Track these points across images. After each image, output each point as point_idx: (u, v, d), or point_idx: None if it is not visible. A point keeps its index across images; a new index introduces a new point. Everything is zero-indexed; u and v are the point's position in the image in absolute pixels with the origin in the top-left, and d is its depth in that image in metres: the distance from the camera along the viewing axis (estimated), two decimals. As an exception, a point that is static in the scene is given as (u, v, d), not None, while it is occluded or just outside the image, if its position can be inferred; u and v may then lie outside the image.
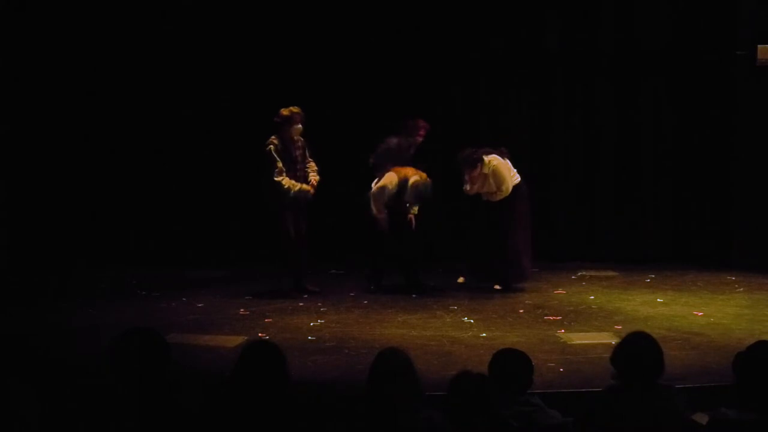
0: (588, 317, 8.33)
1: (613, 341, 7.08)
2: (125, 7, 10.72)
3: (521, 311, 8.49)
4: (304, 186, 9.03)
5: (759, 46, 10.48)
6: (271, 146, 8.93)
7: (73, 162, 10.74)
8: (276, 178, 8.91)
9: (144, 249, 10.77)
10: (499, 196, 9.27)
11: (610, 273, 10.30)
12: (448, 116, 10.92)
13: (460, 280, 9.69)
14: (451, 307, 8.62)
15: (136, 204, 10.88)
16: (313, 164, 9.21)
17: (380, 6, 10.90)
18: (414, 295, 9.17)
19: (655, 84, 11.14)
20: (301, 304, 8.81)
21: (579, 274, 10.27)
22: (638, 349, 4.25)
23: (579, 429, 4.29)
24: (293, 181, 8.98)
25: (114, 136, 10.81)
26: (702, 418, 4.27)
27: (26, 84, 10.57)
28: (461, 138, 9.96)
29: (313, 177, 9.14)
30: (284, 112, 8.98)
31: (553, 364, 6.61)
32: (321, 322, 8.06)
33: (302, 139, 9.11)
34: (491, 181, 9.27)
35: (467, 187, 9.32)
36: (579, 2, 11.19)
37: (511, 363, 4.61)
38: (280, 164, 8.90)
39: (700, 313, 8.36)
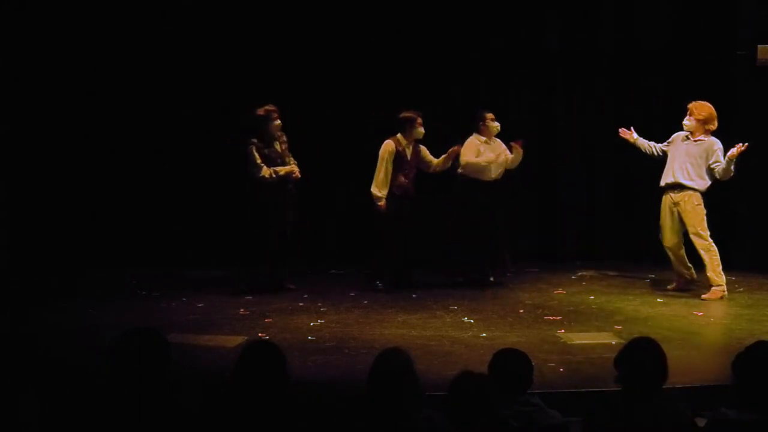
0: (588, 317, 8.33)
1: (613, 341, 7.13)
2: (125, 7, 10.72)
3: (521, 311, 8.49)
4: (287, 168, 9.11)
5: (759, 46, 10.49)
6: (252, 146, 9.05)
7: (73, 162, 10.73)
8: (258, 175, 9.01)
9: (144, 249, 10.76)
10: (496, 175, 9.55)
11: (610, 273, 10.30)
12: (448, 116, 10.92)
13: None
14: (451, 307, 8.62)
15: (136, 204, 10.88)
16: (293, 159, 9.28)
17: (380, 6, 10.91)
18: (414, 295, 9.18)
19: (655, 84, 11.14)
20: (301, 304, 8.81)
21: (579, 274, 10.27)
22: (642, 356, 4.22)
23: (582, 430, 4.28)
24: (273, 169, 9.06)
25: (114, 136, 10.80)
26: (701, 422, 4.27)
27: (26, 84, 10.56)
28: (461, 138, 9.94)
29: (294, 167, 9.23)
30: (260, 111, 9.10)
31: (553, 364, 6.61)
32: (321, 322, 8.06)
33: (284, 134, 9.22)
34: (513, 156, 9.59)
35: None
36: (579, 2, 11.21)
37: (511, 363, 4.61)
38: (258, 160, 9.02)
39: (700, 313, 8.37)
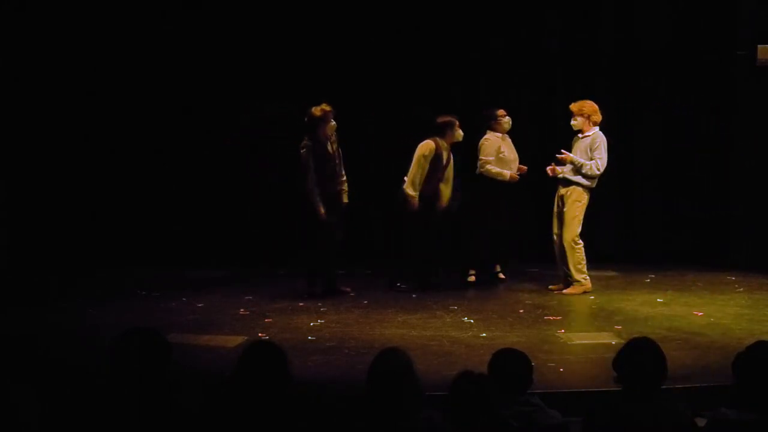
0: (588, 317, 8.33)
1: (613, 341, 7.13)
2: (125, 7, 10.71)
3: (521, 311, 8.49)
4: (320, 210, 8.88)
5: (759, 46, 10.49)
6: (305, 149, 8.83)
7: (73, 162, 10.73)
8: (306, 182, 8.81)
9: (144, 249, 10.76)
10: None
11: (610, 273, 10.30)
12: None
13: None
14: (451, 307, 8.62)
15: (136, 204, 10.87)
16: (342, 171, 9.12)
17: (380, 6, 10.91)
18: (414, 295, 9.17)
19: (655, 84, 11.14)
20: (301, 304, 8.80)
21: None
22: (642, 356, 4.21)
23: (582, 430, 4.28)
24: (322, 203, 8.83)
25: (114, 136, 10.80)
26: (701, 422, 4.27)
27: (26, 84, 10.55)
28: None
29: (344, 189, 9.11)
30: (315, 112, 8.86)
31: (553, 364, 6.61)
32: (321, 322, 8.06)
33: (335, 134, 9.02)
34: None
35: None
36: (579, 2, 11.20)
37: (511, 363, 4.61)
38: (312, 167, 8.78)
39: (700, 313, 8.36)
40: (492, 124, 9.67)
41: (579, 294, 9.18)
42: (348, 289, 9.25)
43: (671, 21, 11.09)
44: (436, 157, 9.26)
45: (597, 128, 9.27)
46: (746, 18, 10.60)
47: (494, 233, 9.64)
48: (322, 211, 8.84)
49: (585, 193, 9.23)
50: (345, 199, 9.13)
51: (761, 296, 9.15)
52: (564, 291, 9.25)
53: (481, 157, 9.59)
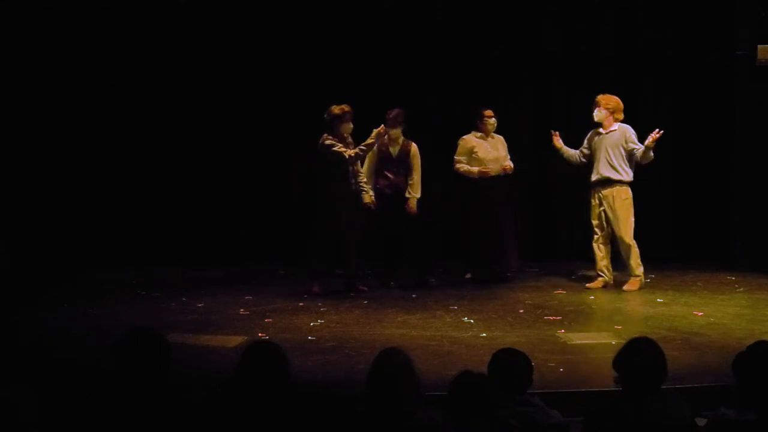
0: (588, 317, 8.33)
1: (613, 341, 7.13)
2: (125, 7, 10.71)
3: (521, 311, 8.49)
4: (370, 140, 9.02)
5: (759, 46, 10.48)
6: (328, 141, 8.93)
7: (73, 162, 10.73)
8: (345, 156, 8.88)
9: (144, 249, 10.75)
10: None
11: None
12: (448, 116, 10.91)
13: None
14: (451, 307, 8.62)
15: (136, 204, 10.87)
16: (360, 171, 9.24)
17: (380, 7, 10.91)
18: (414, 295, 9.18)
19: (655, 84, 11.14)
20: (301, 304, 8.81)
21: (579, 274, 10.26)
22: (642, 356, 4.21)
23: (582, 430, 4.28)
24: (359, 147, 8.95)
25: (113, 136, 10.80)
26: (701, 422, 4.27)
27: (26, 84, 10.55)
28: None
29: (364, 189, 9.23)
30: (335, 110, 8.97)
31: (553, 364, 6.61)
32: (321, 322, 8.06)
33: (350, 137, 9.11)
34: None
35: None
36: (580, 3, 11.20)
37: (511, 363, 4.60)
38: (341, 147, 8.89)
39: (700, 313, 8.36)
40: (477, 123, 9.76)
41: (638, 290, 9.23)
42: (366, 288, 9.30)
43: (671, 21, 11.08)
44: (382, 155, 9.41)
45: (622, 123, 9.30)
46: (746, 18, 10.59)
47: (483, 232, 9.64)
48: (370, 194, 9.13)
49: (629, 189, 9.27)
50: (366, 200, 9.21)
51: (761, 296, 9.15)
52: (624, 287, 9.29)
53: (454, 157, 9.72)
